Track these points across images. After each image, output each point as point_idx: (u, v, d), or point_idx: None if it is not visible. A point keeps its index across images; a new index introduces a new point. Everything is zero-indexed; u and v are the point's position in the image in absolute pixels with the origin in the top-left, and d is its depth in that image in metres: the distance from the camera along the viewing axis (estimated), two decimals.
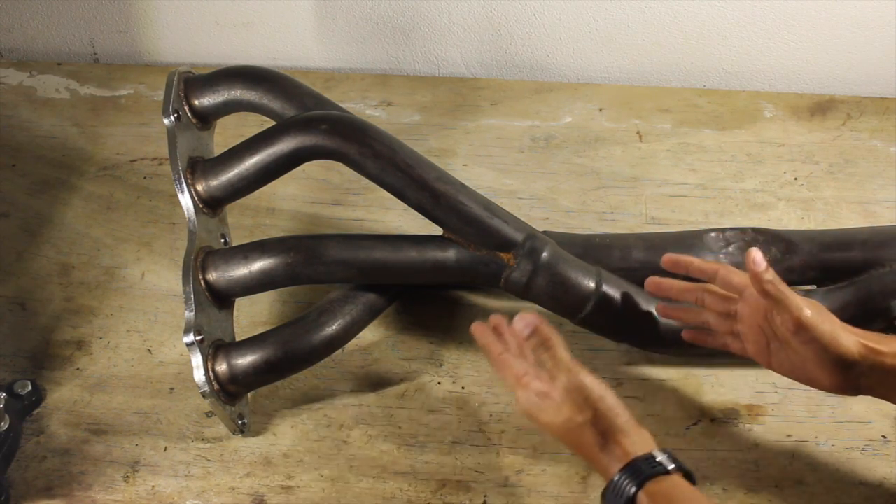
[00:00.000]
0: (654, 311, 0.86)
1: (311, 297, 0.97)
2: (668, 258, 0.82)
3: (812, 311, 0.72)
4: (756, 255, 0.72)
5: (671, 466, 0.69)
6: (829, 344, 0.71)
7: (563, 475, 0.85)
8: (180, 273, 0.82)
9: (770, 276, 0.72)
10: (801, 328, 0.72)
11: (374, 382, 0.92)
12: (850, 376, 0.72)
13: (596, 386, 0.74)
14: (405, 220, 1.04)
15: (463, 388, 0.91)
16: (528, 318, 0.79)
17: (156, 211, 1.06)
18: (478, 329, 0.81)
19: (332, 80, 1.21)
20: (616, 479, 0.69)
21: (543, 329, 0.79)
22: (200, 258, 0.84)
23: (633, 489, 0.68)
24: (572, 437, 0.73)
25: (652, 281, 0.83)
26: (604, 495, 0.70)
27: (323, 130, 0.83)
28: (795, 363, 0.75)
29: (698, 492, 0.68)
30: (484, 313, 0.96)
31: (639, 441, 0.71)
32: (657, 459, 0.69)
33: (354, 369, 0.92)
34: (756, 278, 0.73)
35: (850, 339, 0.72)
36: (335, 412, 0.89)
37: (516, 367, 0.76)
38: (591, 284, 0.85)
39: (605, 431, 0.71)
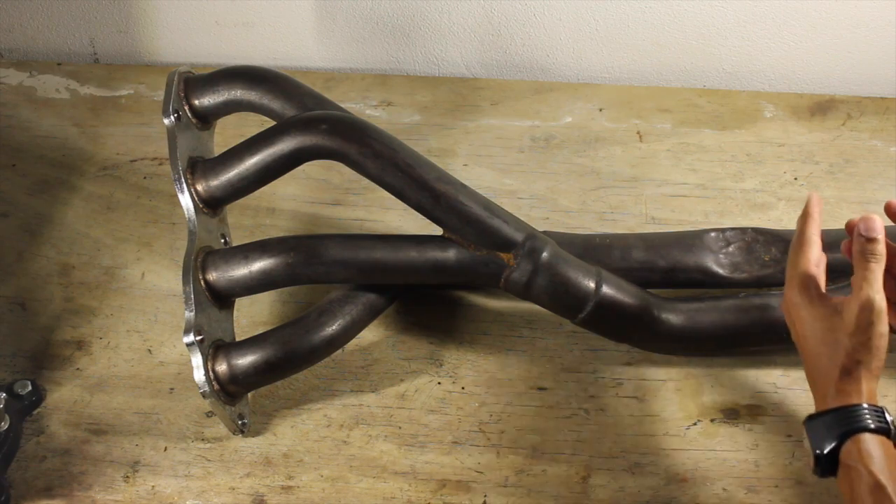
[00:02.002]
0: (654, 311, 0.86)
1: (311, 297, 0.97)
2: (890, 204, 0.75)
3: None
4: None
5: (892, 428, 0.67)
6: None
7: (563, 475, 0.85)
8: (180, 273, 0.82)
9: None
10: None
11: (374, 382, 0.92)
12: None
13: (882, 317, 0.68)
14: (405, 220, 1.04)
15: (463, 388, 0.91)
16: (877, 225, 0.71)
17: (156, 211, 1.06)
18: (815, 198, 0.76)
19: (332, 80, 1.21)
20: (851, 409, 0.67)
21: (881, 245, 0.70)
22: (200, 258, 0.84)
23: (872, 424, 0.66)
24: (823, 347, 0.69)
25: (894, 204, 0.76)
26: (811, 421, 0.69)
27: (323, 130, 0.83)
28: None
29: None
30: (484, 313, 0.97)
31: (874, 390, 0.69)
32: (886, 418, 0.67)
33: (354, 369, 0.92)
34: None
35: None
36: (335, 412, 0.89)
37: (815, 252, 0.72)
38: (592, 284, 0.85)
39: (856, 364, 0.68)
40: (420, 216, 0.86)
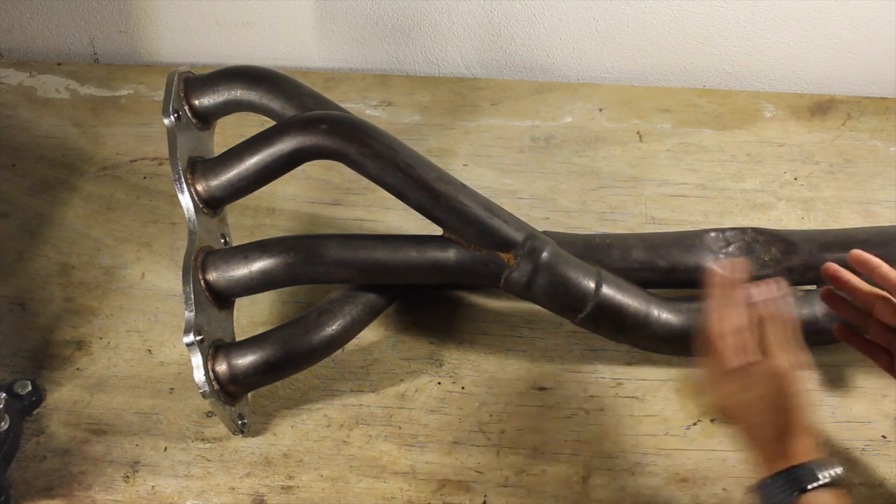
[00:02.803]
0: (654, 311, 0.86)
1: (311, 297, 0.97)
2: (857, 255, 0.79)
3: None
4: None
5: (838, 475, 0.67)
6: None
7: (563, 475, 0.85)
8: (180, 273, 0.82)
9: None
10: None
11: (374, 382, 0.92)
12: None
13: (804, 375, 0.71)
14: (405, 220, 1.04)
15: (463, 388, 0.91)
16: (782, 284, 0.74)
17: (156, 211, 1.06)
18: (716, 271, 0.77)
19: (332, 80, 1.21)
20: (801, 468, 0.67)
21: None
22: (200, 258, 0.84)
23: (825, 479, 0.66)
24: (758, 412, 0.70)
25: (831, 267, 0.81)
26: (763, 486, 0.68)
27: (323, 130, 0.83)
28: None
29: None
30: (484, 313, 0.97)
31: (815, 444, 0.69)
32: (836, 469, 0.67)
33: (354, 369, 0.92)
34: None
35: None
36: (335, 412, 0.89)
37: (732, 320, 0.73)
38: (591, 284, 0.85)
39: (788, 424, 0.69)
40: (420, 216, 0.86)
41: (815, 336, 0.86)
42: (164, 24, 1.24)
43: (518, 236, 0.85)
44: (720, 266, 0.77)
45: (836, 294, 0.83)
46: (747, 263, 0.78)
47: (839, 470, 0.67)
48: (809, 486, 0.66)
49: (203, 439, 0.87)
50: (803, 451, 0.68)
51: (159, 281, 1.00)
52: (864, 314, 0.80)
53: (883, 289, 0.78)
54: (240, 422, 0.85)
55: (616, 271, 0.89)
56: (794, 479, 0.67)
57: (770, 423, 0.70)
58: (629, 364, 0.93)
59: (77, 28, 1.25)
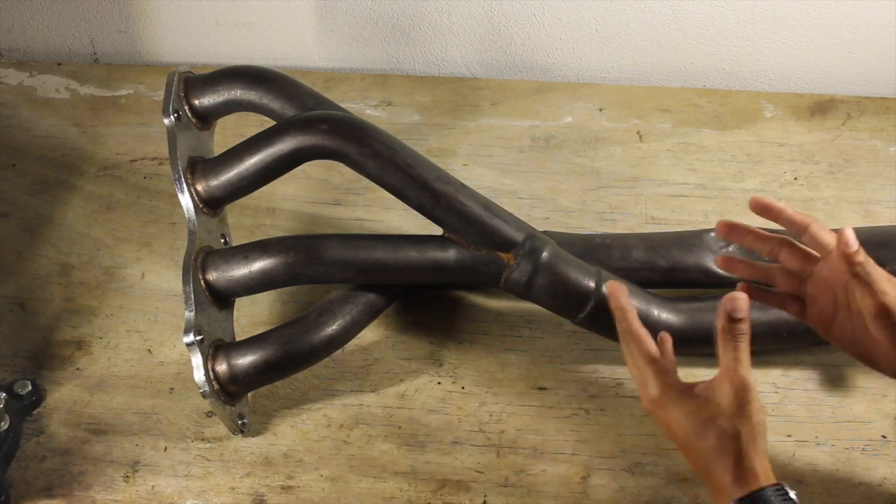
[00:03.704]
0: (654, 311, 0.86)
1: (311, 297, 0.97)
2: (758, 199, 0.74)
3: None
4: (849, 235, 0.69)
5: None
6: None
7: (563, 475, 0.85)
8: (180, 273, 0.82)
9: (861, 257, 0.69)
10: (883, 312, 0.69)
11: (374, 382, 0.92)
12: None
13: (756, 395, 0.67)
14: (405, 220, 1.04)
15: (463, 388, 0.91)
16: (742, 305, 0.69)
17: (156, 211, 1.06)
18: (615, 287, 0.75)
19: (332, 80, 1.21)
20: (756, 495, 0.65)
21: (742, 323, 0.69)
22: (200, 258, 0.84)
23: None
24: (706, 438, 0.67)
25: (724, 223, 0.76)
26: None
27: (323, 130, 0.83)
28: (858, 339, 0.72)
29: None
30: (484, 313, 0.97)
31: (769, 469, 0.67)
32: (790, 495, 0.66)
33: (354, 369, 0.92)
34: (847, 259, 0.69)
35: None
36: (335, 412, 0.89)
37: (651, 343, 0.71)
38: (591, 284, 0.85)
39: (745, 446, 0.66)
40: (420, 216, 0.86)
41: (815, 336, 0.86)
42: (164, 24, 1.24)
43: (518, 236, 0.85)
44: (612, 290, 0.76)
45: (733, 259, 0.79)
46: (625, 288, 0.76)
47: (794, 495, 0.66)
48: None
49: (203, 439, 0.87)
50: (756, 477, 0.66)
51: (159, 281, 1.00)
52: (765, 267, 0.77)
53: (788, 232, 0.75)
54: (240, 422, 0.85)
55: (616, 271, 0.89)
56: (768, 499, 0.64)
57: (719, 446, 0.67)
58: None
59: (77, 28, 1.25)
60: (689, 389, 0.70)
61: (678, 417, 0.69)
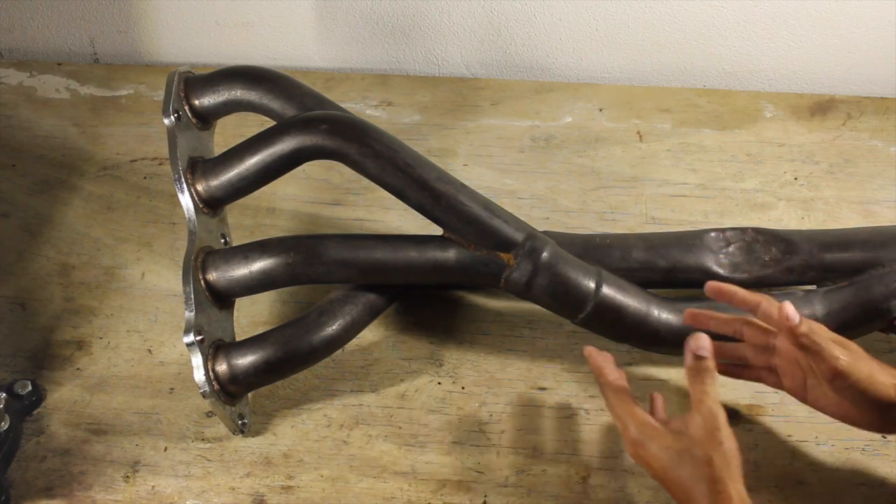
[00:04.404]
0: (654, 311, 0.86)
1: (311, 297, 0.97)
2: (712, 286, 0.81)
3: (848, 358, 0.73)
4: (789, 310, 0.74)
5: None
6: (866, 389, 0.73)
7: (563, 475, 0.85)
8: (180, 273, 0.82)
9: (805, 328, 0.74)
10: (838, 376, 0.74)
11: (374, 382, 0.92)
12: (887, 417, 0.74)
13: (725, 423, 0.73)
14: (405, 220, 1.04)
15: (463, 388, 0.91)
16: (706, 343, 0.77)
17: (156, 211, 1.06)
18: (589, 350, 0.82)
19: (332, 80, 1.21)
20: None
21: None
22: (200, 258, 0.84)
23: None
24: (683, 468, 0.71)
25: (689, 313, 0.83)
26: None
27: (323, 130, 0.83)
28: (832, 402, 0.77)
29: None
30: (484, 313, 0.97)
31: (744, 493, 0.70)
32: None
33: (354, 369, 0.92)
34: (790, 332, 0.74)
35: (889, 382, 0.73)
36: (335, 412, 0.89)
37: (628, 394, 0.77)
38: (592, 284, 0.85)
39: (719, 470, 0.70)
40: (420, 216, 0.86)
41: None
42: (164, 24, 1.24)
43: (518, 236, 0.85)
44: (588, 353, 0.82)
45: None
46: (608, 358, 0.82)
47: None
48: None
49: (203, 439, 0.87)
50: (731, 501, 0.68)
51: (159, 281, 1.00)
52: (735, 345, 0.83)
53: (746, 311, 0.79)
54: (240, 422, 0.85)
55: (616, 271, 0.89)
56: None
57: (694, 474, 0.70)
58: (629, 364, 0.93)
59: (77, 28, 1.25)
60: (664, 426, 0.74)
61: (657, 452, 0.73)
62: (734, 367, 0.84)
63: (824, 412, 0.78)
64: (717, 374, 0.76)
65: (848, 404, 0.75)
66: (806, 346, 0.74)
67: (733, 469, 0.71)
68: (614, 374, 0.79)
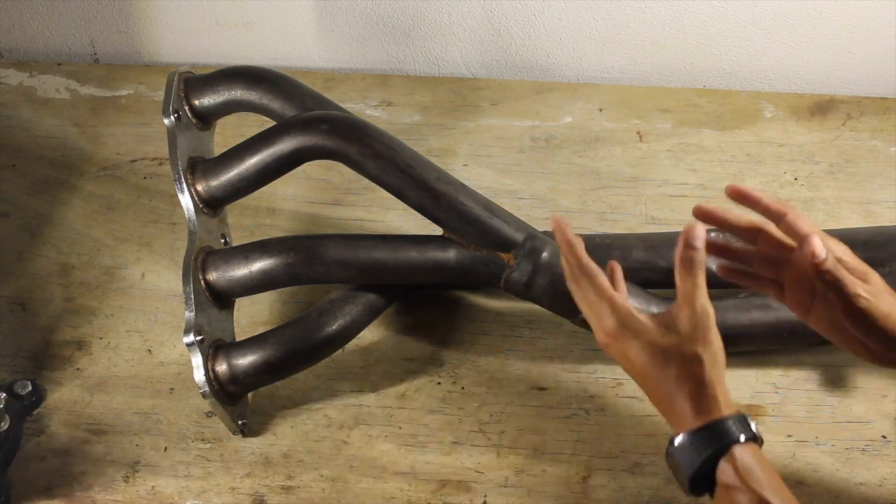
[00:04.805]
0: (654, 311, 0.86)
1: (311, 297, 0.97)
2: (734, 188, 0.73)
3: (869, 296, 0.69)
4: (816, 245, 0.68)
5: (756, 433, 0.65)
6: (883, 326, 0.68)
7: (563, 475, 0.85)
8: (180, 273, 0.82)
9: (830, 264, 0.68)
10: (857, 315, 0.69)
11: (374, 382, 0.92)
12: (894, 353, 0.70)
13: (715, 322, 0.67)
14: (405, 220, 1.04)
15: (463, 388, 0.91)
16: (700, 233, 0.68)
17: (156, 211, 1.06)
18: (559, 220, 0.73)
19: (332, 80, 1.21)
20: (717, 423, 0.64)
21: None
22: (200, 258, 0.84)
23: (742, 437, 0.63)
24: (666, 366, 0.66)
25: (700, 207, 0.75)
26: (679, 444, 0.65)
27: (323, 130, 0.83)
28: (835, 326, 0.72)
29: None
30: (484, 313, 0.97)
31: (730, 398, 0.66)
32: (751, 426, 0.65)
33: (354, 369, 0.92)
34: (815, 266, 0.69)
35: None
36: (335, 412, 0.89)
37: (604, 277, 0.70)
38: None
39: (706, 370, 0.65)
40: (420, 216, 0.86)
41: (815, 336, 0.86)
42: (164, 24, 1.24)
43: (518, 236, 0.85)
44: (557, 223, 0.74)
45: (714, 238, 0.77)
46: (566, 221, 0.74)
47: (754, 424, 0.65)
48: (725, 444, 0.63)
49: (203, 439, 0.87)
50: (717, 406, 0.65)
51: (159, 281, 1.00)
52: (745, 249, 0.76)
53: (765, 218, 0.73)
54: (240, 422, 0.85)
55: None
56: (711, 437, 0.64)
57: (681, 373, 0.66)
58: None
59: (77, 28, 1.25)
60: (647, 319, 0.69)
61: (637, 348, 0.67)
62: (737, 272, 0.77)
63: (824, 335, 0.73)
64: (704, 268, 0.69)
65: (855, 334, 0.70)
66: (828, 281, 0.69)
67: (720, 371, 0.66)
68: (587, 257, 0.72)
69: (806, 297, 0.73)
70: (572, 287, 0.72)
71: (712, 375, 0.65)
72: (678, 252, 0.69)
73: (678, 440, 0.65)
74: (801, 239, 0.69)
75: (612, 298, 0.69)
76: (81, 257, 1.02)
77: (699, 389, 0.65)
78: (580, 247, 0.72)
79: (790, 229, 0.71)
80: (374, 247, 0.86)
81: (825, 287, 0.70)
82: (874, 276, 0.71)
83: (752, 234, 0.74)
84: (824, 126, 1.16)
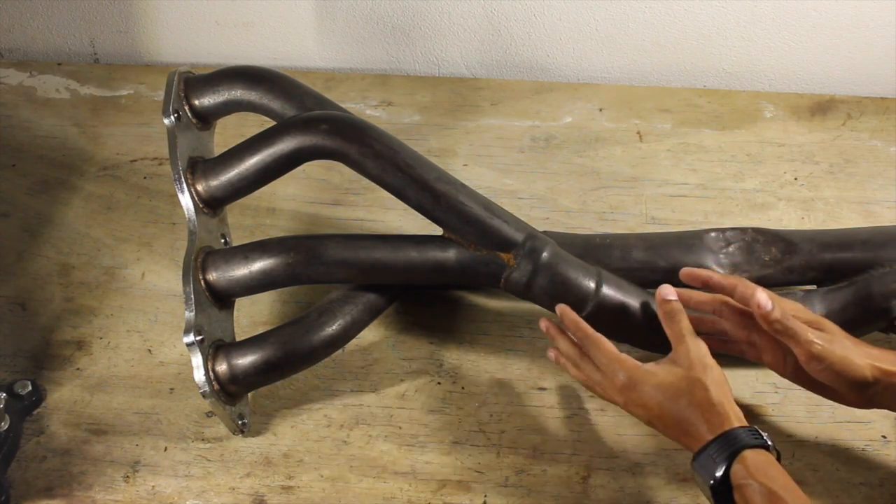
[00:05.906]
0: (654, 311, 0.86)
1: (311, 297, 0.97)
2: (686, 272, 0.84)
3: (822, 341, 0.75)
4: (761, 297, 0.76)
5: (769, 443, 0.71)
6: (842, 371, 0.75)
7: (563, 475, 0.85)
8: (180, 273, 0.82)
9: (777, 314, 0.75)
10: (814, 359, 0.75)
11: (374, 382, 0.92)
12: (864, 395, 0.76)
13: (708, 351, 0.77)
14: (405, 220, 1.04)
15: (463, 388, 0.91)
16: (670, 290, 0.82)
17: (156, 211, 1.06)
18: (562, 308, 0.83)
19: (332, 80, 1.21)
20: (728, 434, 0.70)
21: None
22: (200, 258, 0.84)
23: (751, 442, 0.70)
24: (678, 399, 0.74)
25: (667, 289, 0.83)
26: (698, 459, 0.71)
27: (323, 130, 0.83)
28: (811, 379, 0.78)
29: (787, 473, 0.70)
30: (484, 313, 0.97)
31: (740, 413, 0.73)
32: (762, 435, 0.71)
33: (354, 369, 0.92)
34: (764, 320, 0.76)
35: (864, 364, 0.75)
36: (335, 412, 0.89)
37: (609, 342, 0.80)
38: (592, 284, 0.85)
39: (713, 392, 0.73)
40: (420, 216, 0.86)
41: None
42: (164, 24, 1.24)
43: (518, 236, 0.85)
44: (561, 311, 0.83)
45: (690, 315, 0.85)
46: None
47: (765, 434, 0.71)
48: (737, 448, 0.69)
49: (203, 439, 0.87)
50: (728, 420, 0.71)
51: (159, 281, 1.00)
52: (716, 320, 0.84)
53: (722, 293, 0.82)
54: (240, 422, 0.85)
55: (616, 271, 0.88)
56: (724, 445, 0.70)
57: (692, 400, 0.73)
58: None
59: (77, 28, 1.25)
60: (652, 366, 0.77)
61: (650, 390, 0.75)
62: (715, 340, 0.84)
63: (805, 388, 0.80)
64: (685, 313, 0.80)
65: (826, 383, 0.77)
66: (780, 332, 0.76)
67: (725, 390, 0.74)
68: (592, 329, 0.81)
69: (779, 353, 0.80)
70: (586, 351, 0.81)
71: (718, 395, 0.73)
72: (658, 310, 0.81)
73: (697, 456, 0.71)
74: (749, 299, 0.77)
75: (618, 358, 0.78)
76: (81, 257, 1.02)
77: (710, 409, 0.73)
78: (585, 322, 0.82)
79: (742, 298, 0.79)
80: (375, 247, 0.86)
81: (784, 338, 0.76)
82: (830, 324, 0.78)
83: (718, 307, 0.83)
84: (824, 126, 1.16)
